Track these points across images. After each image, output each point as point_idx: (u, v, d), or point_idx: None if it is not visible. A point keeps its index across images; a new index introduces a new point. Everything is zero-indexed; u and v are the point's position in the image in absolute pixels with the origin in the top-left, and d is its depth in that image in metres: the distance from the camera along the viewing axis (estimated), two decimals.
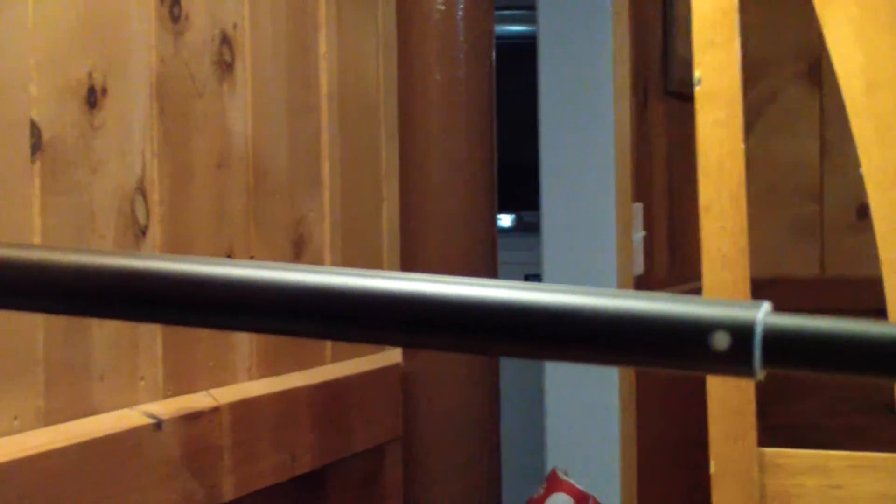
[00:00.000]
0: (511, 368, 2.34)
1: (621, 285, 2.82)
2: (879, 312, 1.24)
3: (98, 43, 1.27)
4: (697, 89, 1.33)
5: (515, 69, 2.96)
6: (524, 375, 3.08)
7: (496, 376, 1.73)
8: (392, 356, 1.78)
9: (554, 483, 2.18)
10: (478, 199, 1.68)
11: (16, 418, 1.15)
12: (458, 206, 1.67)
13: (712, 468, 1.28)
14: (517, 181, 3.38)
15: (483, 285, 0.63)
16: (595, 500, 2.18)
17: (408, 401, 1.71)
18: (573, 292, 0.61)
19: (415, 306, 0.64)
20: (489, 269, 1.69)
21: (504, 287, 0.62)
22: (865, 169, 1.27)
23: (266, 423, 1.49)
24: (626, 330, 0.60)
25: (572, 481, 2.17)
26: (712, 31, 1.32)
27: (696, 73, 1.33)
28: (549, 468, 2.42)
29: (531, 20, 3.01)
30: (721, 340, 0.57)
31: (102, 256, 0.55)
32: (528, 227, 3.86)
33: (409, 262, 1.69)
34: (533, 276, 3.49)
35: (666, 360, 0.61)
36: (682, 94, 3.07)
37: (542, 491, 2.19)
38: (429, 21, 1.65)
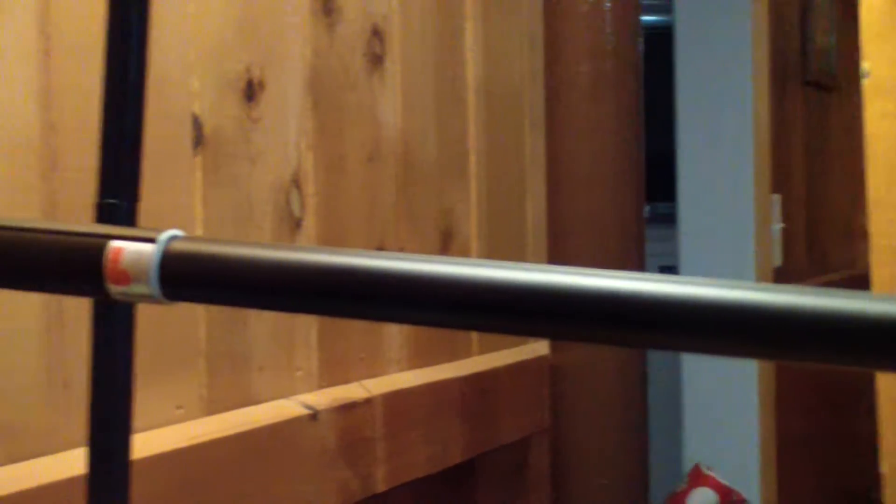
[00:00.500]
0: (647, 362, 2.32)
1: (760, 277, 2.77)
2: None
3: (255, 37, 1.28)
4: (865, 81, 1.30)
5: (652, 59, 2.93)
6: (661, 369, 3.05)
7: (643, 367, 1.71)
8: (539, 348, 1.77)
9: (697, 477, 2.15)
10: (625, 192, 1.67)
11: (179, 407, 1.17)
12: (605, 198, 1.65)
13: (883, 468, 1.25)
14: (651, 172, 3.34)
15: (649, 280, 0.61)
16: (739, 495, 2.15)
17: (554, 392, 1.70)
18: (757, 289, 0.59)
19: (568, 299, 0.63)
20: (636, 262, 1.68)
21: (674, 282, 0.61)
22: None
23: (417, 414, 1.49)
24: (821, 329, 0.58)
25: (716, 476, 2.14)
26: (881, 23, 1.28)
27: (864, 66, 1.30)
28: (686, 463, 2.39)
29: (667, 10, 2.97)
30: None
31: (298, 252, 0.54)
32: (663, 218, 3.82)
33: (556, 255, 1.68)
34: (668, 269, 3.45)
35: (866, 359, 0.59)
36: (819, 84, 3.02)
37: (684, 486, 2.16)
38: (577, 13, 1.63)
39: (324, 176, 1.38)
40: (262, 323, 1.27)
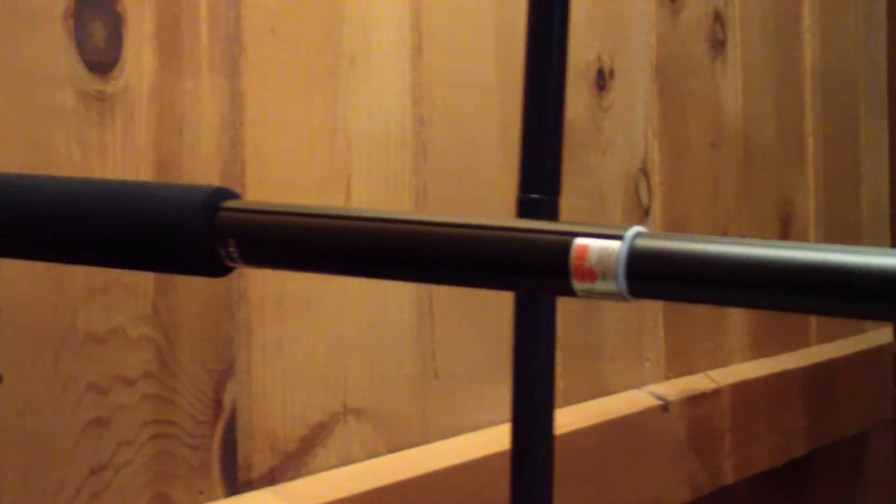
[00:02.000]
0: None
1: None
2: None
3: (604, 26, 1.26)
4: None
5: None
6: None
7: None
8: (881, 336, 1.70)
9: None
10: None
11: None
12: None
13: None
14: None
15: None
16: None
17: None
18: None
19: None
20: None
21: None
22: None
23: (761, 405, 1.45)
24: None
25: None
26: None
27: None
28: None
29: None
30: None
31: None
32: None
33: None
34: None
35: None
36: None
37: None
38: None
39: (668, 163, 1.36)
40: (613, 313, 1.26)
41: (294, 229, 0.56)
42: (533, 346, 0.73)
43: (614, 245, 0.50)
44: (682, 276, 0.50)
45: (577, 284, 0.50)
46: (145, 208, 0.58)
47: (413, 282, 0.52)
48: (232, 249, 0.56)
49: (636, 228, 0.50)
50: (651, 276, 0.50)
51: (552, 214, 0.69)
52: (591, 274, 0.50)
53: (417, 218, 0.53)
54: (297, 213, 0.56)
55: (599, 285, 0.50)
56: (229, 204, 0.58)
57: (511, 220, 0.52)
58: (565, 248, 0.50)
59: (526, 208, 0.69)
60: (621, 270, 0.50)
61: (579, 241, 0.50)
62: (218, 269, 0.58)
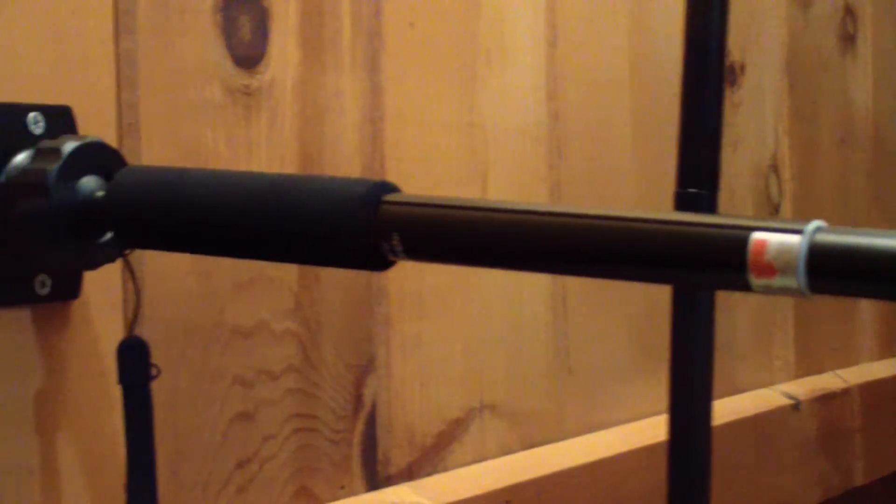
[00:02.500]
0: None
1: None
2: None
3: (736, 20, 1.23)
4: None
5: None
6: None
7: None
8: None
9: None
10: None
11: None
12: None
13: None
14: None
15: None
16: None
17: None
18: None
19: None
20: None
21: None
22: None
23: (891, 405, 1.42)
24: None
25: None
26: None
27: None
28: None
29: None
30: None
31: None
32: None
33: None
34: None
35: None
36: None
37: None
38: None
39: (798, 160, 1.33)
40: (744, 311, 1.23)
41: (458, 223, 0.55)
42: (692, 340, 0.71)
43: (793, 240, 0.48)
44: (864, 272, 0.48)
45: (755, 280, 0.49)
46: (308, 202, 0.58)
47: (582, 276, 0.51)
48: (395, 243, 0.56)
49: (815, 223, 0.49)
50: (832, 271, 0.48)
51: (711, 209, 0.68)
52: (769, 269, 0.48)
53: (588, 212, 0.51)
54: (460, 207, 0.55)
55: (778, 281, 0.48)
56: (392, 197, 0.57)
57: (686, 215, 0.50)
58: (742, 242, 0.48)
59: (685, 203, 0.67)
60: (801, 266, 0.48)
61: (757, 236, 0.48)
62: (381, 263, 0.57)
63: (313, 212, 0.57)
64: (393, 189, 0.58)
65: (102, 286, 0.71)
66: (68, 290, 0.69)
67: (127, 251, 0.65)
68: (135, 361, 0.65)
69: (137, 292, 0.66)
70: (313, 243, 0.58)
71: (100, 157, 0.66)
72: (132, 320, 0.65)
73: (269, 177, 0.61)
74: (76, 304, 0.70)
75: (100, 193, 0.65)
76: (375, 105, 0.88)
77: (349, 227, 0.56)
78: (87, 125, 0.70)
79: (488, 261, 0.56)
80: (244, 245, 0.61)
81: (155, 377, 0.65)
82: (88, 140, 0.65)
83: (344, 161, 0.85)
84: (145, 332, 0.72)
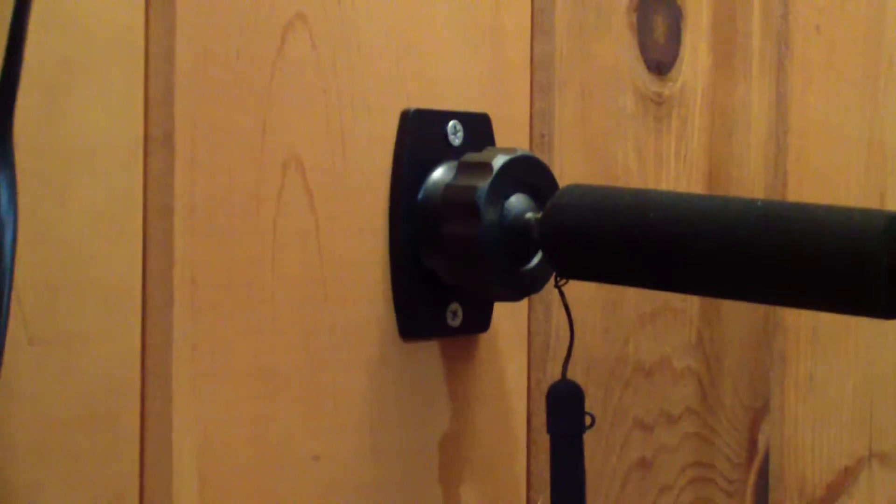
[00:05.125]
0: None
1: None
2: None
3: None
4: None
5: None
6: None
7: None
8: None
9: None
10: None
11: None
12: None
13: None
14: None
15: None
16: None
17: None
18: None
19: None
20: None
21: None
22: None
23: None
24: None
25: None
26: None
27: None
28: None
29: None
30: None
31: None
32: None
33: None
34: None
35: None
36: None
37: None
38: None
39: None
40: None
41: None
42: None
43: None
44: None
45: None
46: (813, 235, 0.47)
47: None
48: None
49: None
50: None
51: None
52: None
53: None
54: None
55: None
56: None
57: None
58: None
59: None
60: None
61: None
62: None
63: (821, 247, 0.46)
64: None
65: (509, 317, 0.61)
66: (479, 321, 0.60)
67: (562, 281, 0.55)
68: (569, 409, 0.55)
69: (572, 329, 0.56)
70: (820, 284, 0.47)
71: (529, 174, 0.56)
72: (565, 361, 0.55)
73: (749, 203, 0.50)
74: (484, 338, 0.60)
75: (529, 215, 0.55)
76: (780, 117, 0.76)
77: (871, 267, 0.45)
78: (500, 135, 0.60)
79: None
80: (719, 282, 0.50)
81: (589, 427, 0.55)
82: (518, 154, 0.56)
83: (747, 180, 0.74)
84: (546, 366, 0.62)
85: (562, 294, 0.56)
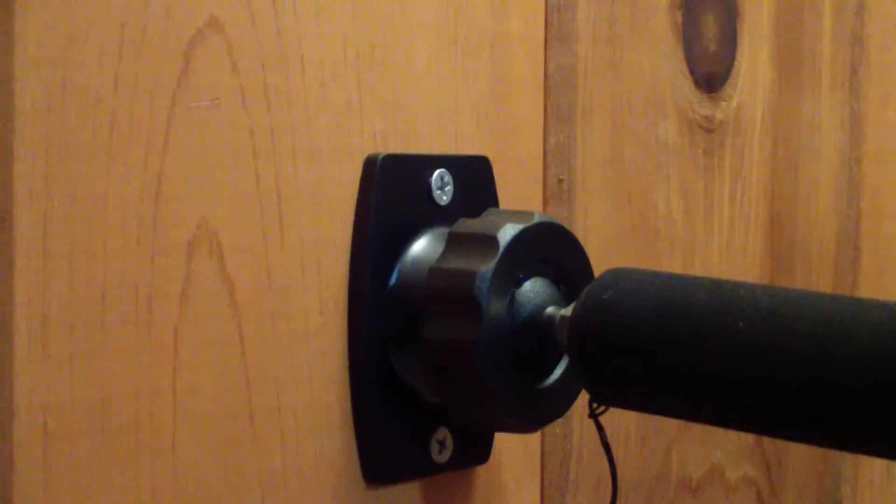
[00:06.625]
0: None
1: None
2: None
3: None
4: None
5: None
6: None
7: None
8: None
9: None
10: None
11: None
12: None
13: None
14: None
15: None
16: None
17: None
18: None
19: None
20: None
21: None
22: None
23: None
24: None
25: None
26: None
27: None
28: None
29: None
30: None
31: None
32: None
33: None
34: None
35: None
36: None
37: None
38: None
39: None
40: None
41: None
42: None
43: None
44: None
45: None
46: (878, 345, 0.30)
47: None
48: None
49: None
50: None
51: None
52: None
53: None
54: None
55: None
56: None
57: None
58: None
59: None
60: None
61: None
62: None
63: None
64: None
65: (515, 443, 0.44)
66: (476, 451, 0.42)
67: (599, 409, 0.38)
68: None
69: (614, 476, 0.39)
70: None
71: (550, 249, 0.39)
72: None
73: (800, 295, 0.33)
74: (482, 471, 0.43)
75: (552, 310, 0.38)
76: (855, 141, 0.59)
77: None
78: (504, 183, 0.43)
79: None
80: (849, 432, 0.33)
81: None
82: (535, 221, 0.38)
83: (818, 222, 0.57)
84: (565, 498, 0.45)
85: (599, 427, 0.38)
